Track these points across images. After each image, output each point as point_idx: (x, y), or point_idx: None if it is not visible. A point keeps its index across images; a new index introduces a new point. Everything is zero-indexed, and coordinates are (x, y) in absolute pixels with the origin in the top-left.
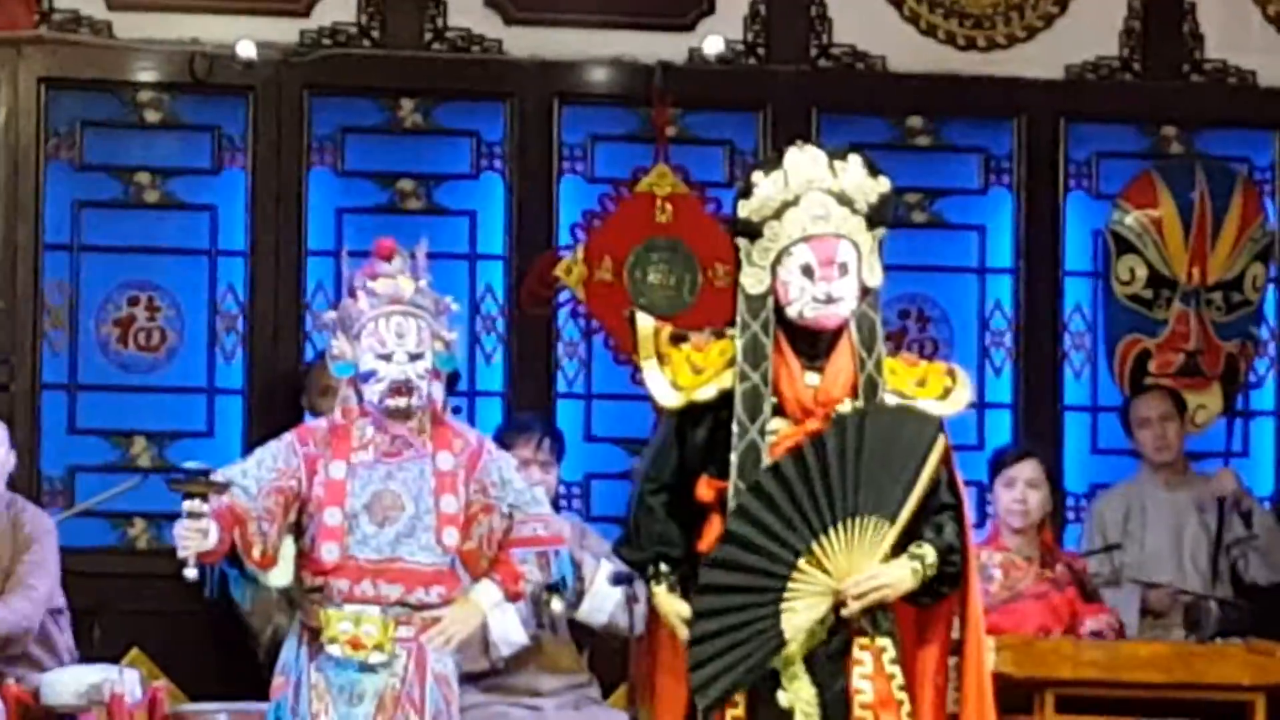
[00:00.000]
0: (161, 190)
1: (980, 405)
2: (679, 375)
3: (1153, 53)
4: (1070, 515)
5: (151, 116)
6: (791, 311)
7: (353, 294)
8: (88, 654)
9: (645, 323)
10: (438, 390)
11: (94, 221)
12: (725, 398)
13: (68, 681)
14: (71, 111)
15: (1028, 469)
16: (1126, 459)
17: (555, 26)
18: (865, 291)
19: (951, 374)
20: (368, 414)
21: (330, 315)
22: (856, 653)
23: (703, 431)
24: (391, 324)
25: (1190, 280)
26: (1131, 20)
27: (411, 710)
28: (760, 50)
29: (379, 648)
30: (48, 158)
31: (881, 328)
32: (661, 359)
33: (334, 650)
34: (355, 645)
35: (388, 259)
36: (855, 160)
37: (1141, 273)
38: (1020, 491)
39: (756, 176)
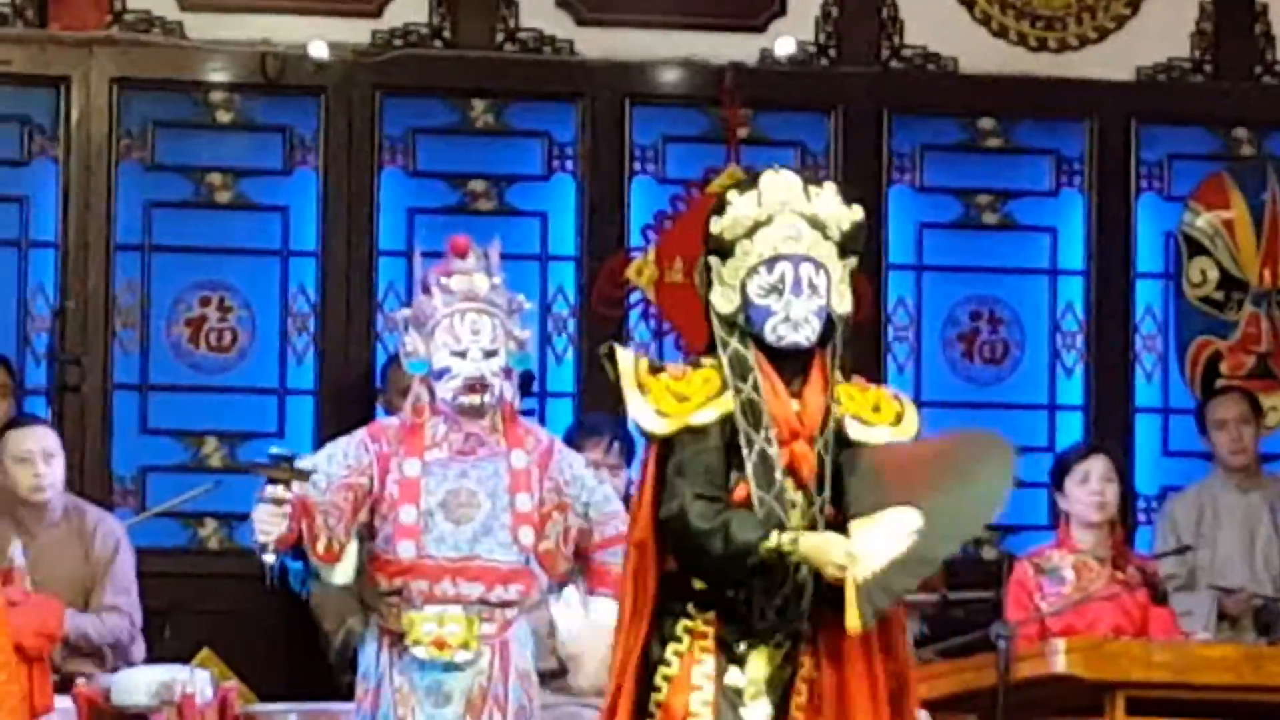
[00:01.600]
0: (233, 190)
1: (1051, 407)
2: (662, 403)
3: (1224, 54)
4: (1141, 518)
5: (223, 117)
6: (761, 330)
7: (426, 291)
8: (158, 654)
9: (625, 355)
10: (509, 389)
11: (165, 222)
12: (724, 420)
13: (138, 682)
14: (143, 112)
15: (1100, 464)
16: (1198, 461)
17: (626, 27)
18: (839, 319)
19: (899, 399)
20: (440, 412)
21: (404, 312)
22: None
23: (706, 457)
24: (466, 321)
25: (1262, 282)
26: (1203, 22)
27: (495, 708)
28: (832, 51)
29: (464, 646)
30: (119, 158)
31: (841, 356)
32: (643, 389)
33: (419, 652)
34: (440, 645)
35: (463, 256)
36: (830, 188)
37: (1213, 274)
38: (1097, 485)
39: (731, 195)
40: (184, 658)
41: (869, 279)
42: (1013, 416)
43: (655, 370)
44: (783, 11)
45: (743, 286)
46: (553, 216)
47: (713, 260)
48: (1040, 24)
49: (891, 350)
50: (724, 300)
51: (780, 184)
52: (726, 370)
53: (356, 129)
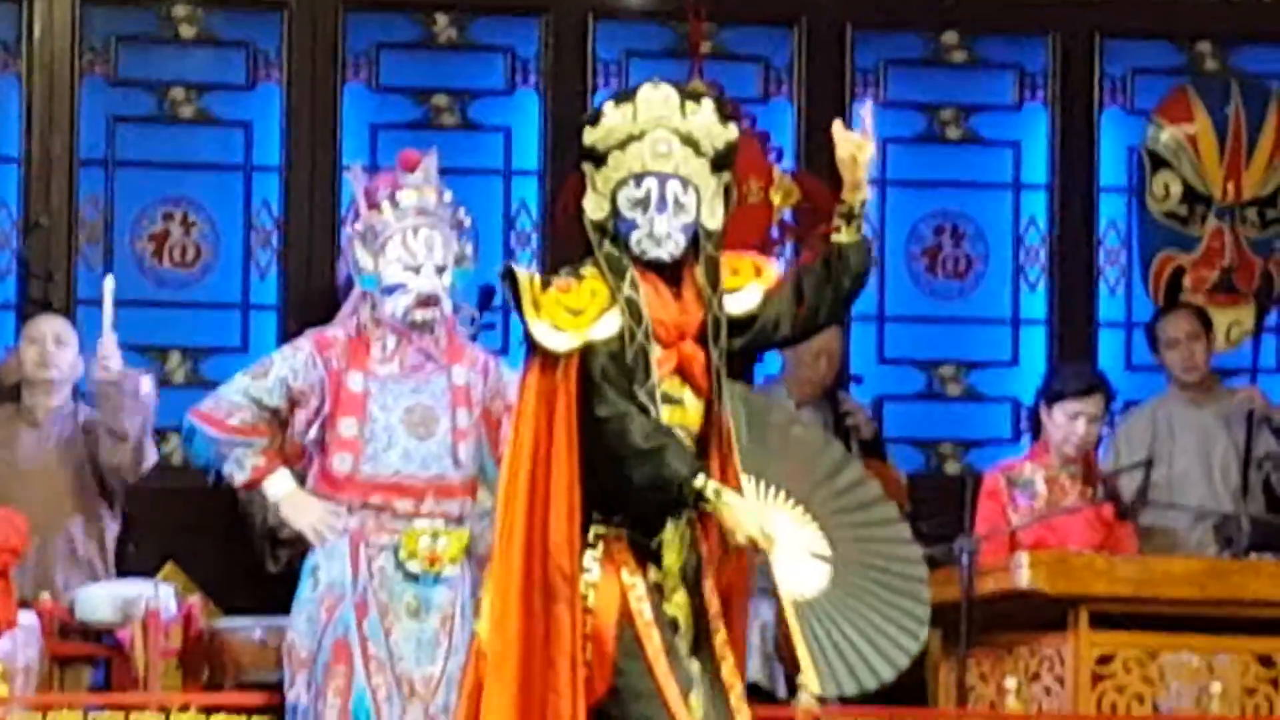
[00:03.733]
0: (196, 105)
1: (1014, 321)
2: (557, 318)
3: None
4: (1104, 432)
5: (186, 32)
6: (627, 241)
7: (374, 206)
8: (122, 569)
9: (523, 274)
10: (449, 305)
11: (128, 137)
12: (621, 334)
13: (103, 597)
14: (106, 27)
15: (1094, 405)
16: (1161, 375)
17: None
18: (709, 234)
19: (751, 257)
20: (385, 326)
21: (355, 227)
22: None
23: (617, 366)
24: (420, 236)
25: (1225, 196)
26: None
27: (463, 622)
28: None
29: (453, 560)
30: (82, 73)
31: (722, 269)
32: (537, 306)
33: (412, 566)
34: (433, 560)
35: (412, 170)
36: (708, 104)
37: (1176, 189)
38: (1083, 427)
39: (606, 106)
40: (148, 573)
41: (833, 193)
42: (976, 331)
43: (545, 285)
44: None
45: (613, 196)
46: (516, 131)
47: (587, 167)
48: None
49: None
50: (596, 207)
51: (657, 99)
52: (604, 271)
53: (320, 44)
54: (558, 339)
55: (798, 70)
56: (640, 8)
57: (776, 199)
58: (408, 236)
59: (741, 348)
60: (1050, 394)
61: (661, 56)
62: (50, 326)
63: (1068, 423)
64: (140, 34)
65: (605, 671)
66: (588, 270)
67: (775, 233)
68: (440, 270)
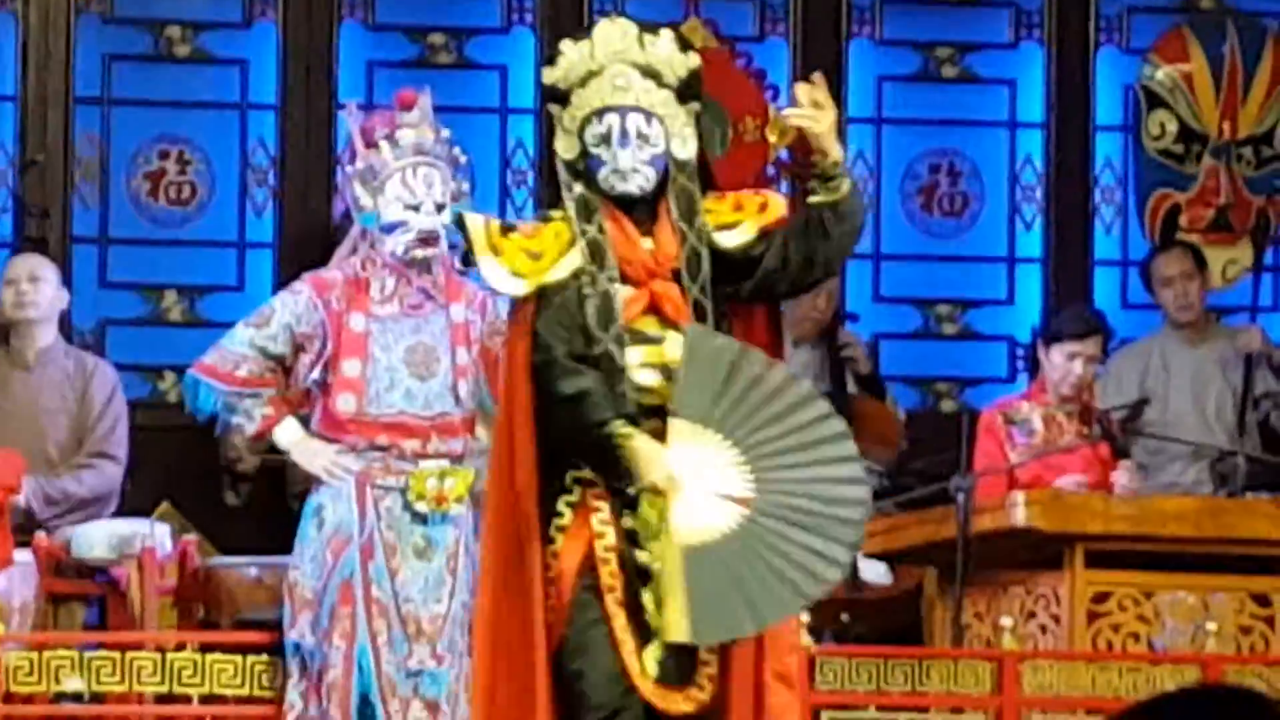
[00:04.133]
0: (192, 44)
1: (1010, 259)
2: (516, 263)
3: None
4: (1100, 369)
5: None
6: (596, 178)
7: (371, 145)
8: (118, 508)
9: (475, 220)
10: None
11: (124, 75)
12: (579, 272)
13: (99, 535)
14: None
15: (1092, 346)
16: (1157, 313)
17: None
18: (680, 165)
19: (758, 192)
20: (384, 265)
21: (356, 165)
22: None
23: (568, 312)
24: (419, 175)
25: (1221, 135)
26: None
27: (468, 559)
28: None
29: (459, 500)
30: (78, 11)
31: (700, 199)
32: (496, 251)
33: (420, 507)
34: (440, 500)
35: (409, 109)
36: (666, 35)
37: (1172, 127)
38: (1081, 368)
39: (564, 45)
40: (144, 511)
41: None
42: (972, 269)
43: (506, 230)
44: None
45: (580, 134)
46: (512, 70)
47: (554, 108)
48: None
49: None
50: (565, 147)
51: (614, 34)
52: (572, 213)
53: None
54: (514, 283)
55: (794, 8)
56: None
57: (773, 137)
58: (407, 175)
59: (750, 292)
60: (1048, 334)
61: None
62: (24, 265)
63: (1065, 363)
64: None
65: (561, 618)
66: (557, 214)
67: (771, 170)
68: (439, 208)
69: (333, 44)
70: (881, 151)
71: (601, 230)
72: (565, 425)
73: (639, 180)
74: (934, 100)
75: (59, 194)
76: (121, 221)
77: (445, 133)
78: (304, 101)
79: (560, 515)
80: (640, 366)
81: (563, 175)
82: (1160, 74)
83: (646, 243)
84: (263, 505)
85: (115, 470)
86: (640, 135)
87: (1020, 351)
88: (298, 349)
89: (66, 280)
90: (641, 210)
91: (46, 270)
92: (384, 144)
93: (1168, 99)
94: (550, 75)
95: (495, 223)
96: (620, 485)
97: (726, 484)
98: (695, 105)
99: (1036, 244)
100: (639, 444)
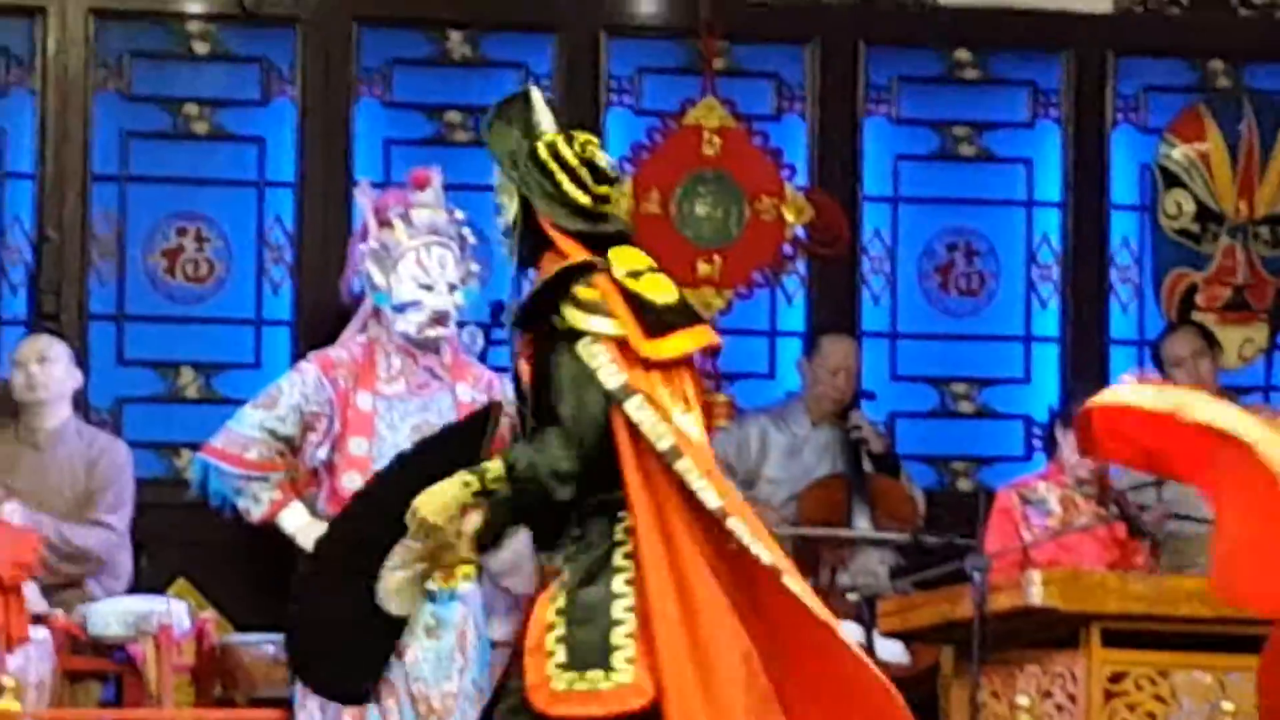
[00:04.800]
0: (210, 121)
1: (1027, 338)
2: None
3: None
4: None
5: (200, 47)
6: None
7: (385, 224)
8: (135, 585)
9: None
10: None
11: (142, 152)
12: None
13: (116, 612)
14: (120, 42)
15: None
16: None
17: None
18: None
19: None
20: (392, 344)
21: (369, 244)
22: None
23: None
24: (433, 255)
25: (1238, 214)
26: None
27: (475, 637)
28: None
29: (466, 577)
30: (96, 88)
31: None
32: None
33: (429, 585)
34: (448, 578)
35: (423, 188)
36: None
37: (1189, 207)
38: None
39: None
40: (161, 588)
41: (846, 210)
42: (988, 348)
43: None
44: None
45: None
46: None
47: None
48: None
49: (868, 282)
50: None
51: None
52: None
53: (333, 60)
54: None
55: (811, 87)
56: (653, 24)
57: (789, 216)
58: (421, 254)
59: None
60: (1065, 415)
61: (674, 73)
62: (33, 347)
63: None
64: (154, 50)
65: None
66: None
67: (788, 249)
68: (452, 288)
69: (350, 122)
70: (898, 230)
71: None
72: None
73: None
74: (951, 179)
75: (75, 271)
76: (138, 298)
77: (458, 213)
78: (321, 179)
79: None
80: None
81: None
82: (1177, 153)
83: None
84: (279, 583)
85: (110, 538)
86: None
87: (1036, 430)
88: (306, 429)
89: (83, 358)
90: None
91: (56, 350)
92: (398, 223)
93: (1184, 178)
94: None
95: None
96: None
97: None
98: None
99: (1053, 323)
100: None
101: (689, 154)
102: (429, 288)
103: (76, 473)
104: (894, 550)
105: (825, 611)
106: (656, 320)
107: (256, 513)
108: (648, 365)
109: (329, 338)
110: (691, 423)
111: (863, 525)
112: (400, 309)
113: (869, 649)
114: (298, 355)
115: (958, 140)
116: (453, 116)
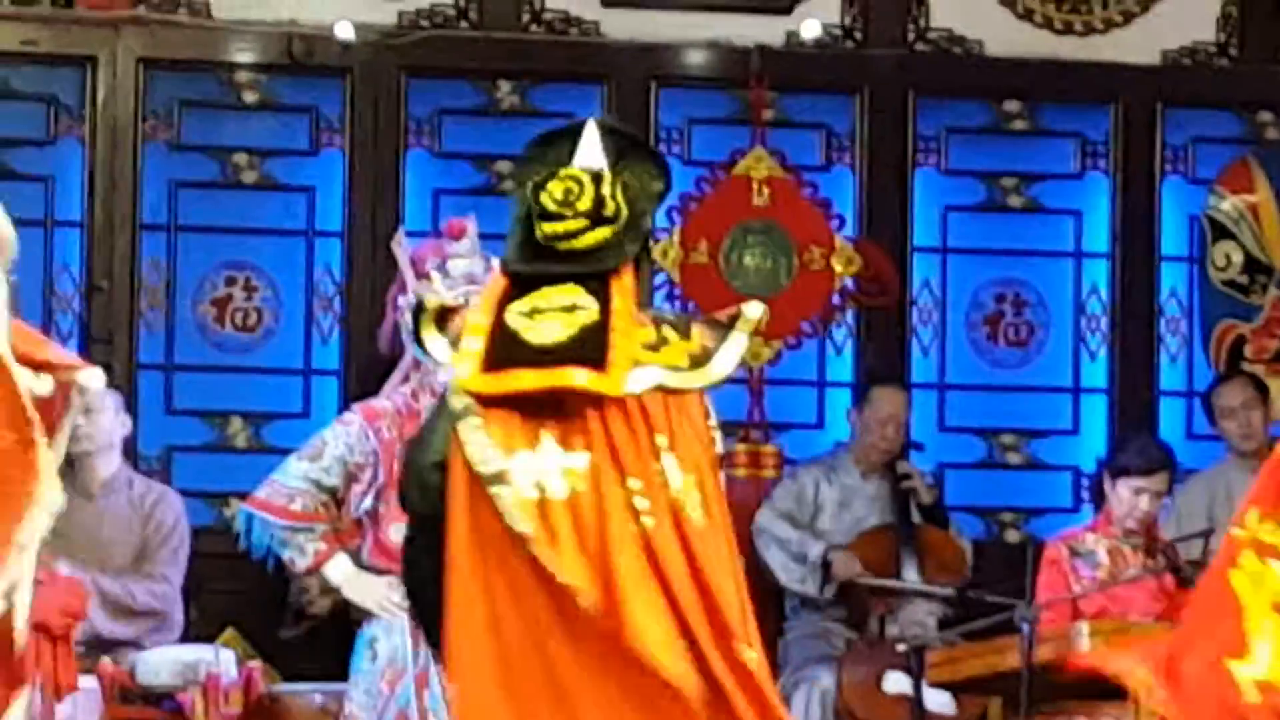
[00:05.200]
0: (259, 171)
1: (1075, 390)
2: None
3: (1250, 38)
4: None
5: (249, 97)
6: None
7: (423, 275)
8: (185, 634)
9: None
10: None
11: (191, 202)
12: None
13: (164, 661)
14: (169, 92)
15: (1159, 481)
16: (1221, 444)
17: (652, 9)
18: None
19: None
20: (435, 394)
21: (408, 297)
22: None
23: None
24: (471, 305)
25: None
26: (1228, 5)
27: None
28: (857, 34)
29: None
30: (145, 138)
31: None
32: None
33: None
34: None
35: (459, 238)
36: None
37: (1237, 258)
38: (1147, 503)
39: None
40: (209, 637)
41: (894, 261)
42: (1037, 399)
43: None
44: None
45: None
46: None
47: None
48: (1066, 7)
49: (916, 333)
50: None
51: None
52: None
53: (382, 110)
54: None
55: (860, 138)
56: (703, 74)
57: (838, 266)
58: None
59: None
60: (1115, 468)
61: (723, 123)
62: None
63: (1131, 498)
64: (204, 99)
65: None
66: None
67: (836, 300)
68: None
69: (399, 171)
70: (947, 281)
71: None
72: None
73: None
74: (1000, 230)
75: (125, 320)
76: (187, 348)
77: (494, 261)
78: (370, 228)
79: None
80: None
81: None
82: (1225, 204)
83: None
84: (327, 633)
85: (167, 592)
86: None
87: (1085, 482)
88: (350, 479)
89: (132, 406)
90: None
91: (104, 400)
92: (435, 274)
93: (1233, 229)
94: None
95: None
96: None
97: None
98: None
99: (1101, 374)
100: None
101: (738, 204)
102: None
103: (131, 523)
104: (942, 601)
105: (648, 650)
106: (506, 357)
107: (301, 564)
108: (482, 399)
109: (378, 387)
110: (579, 462)
111: (911, 576)
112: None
113: (918, 699)
114: (346, 405)
115: (1006, 191)
116: (502, 166)
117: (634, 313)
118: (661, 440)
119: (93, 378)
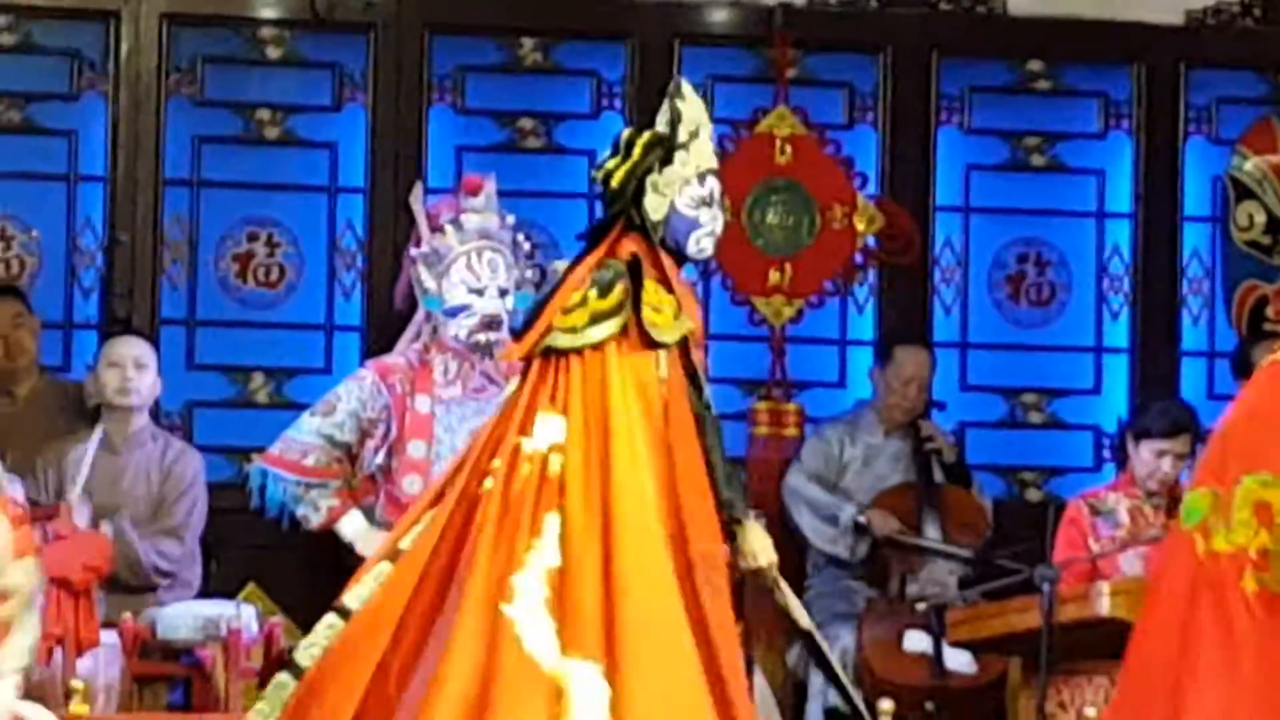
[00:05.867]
0: (282, 127)
1: (1098, 349)
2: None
3: None
4: (1189, 462)
5: (272, 53)
6: (683, 241)
7: (437, 229)
8: (204, 589)
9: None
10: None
11: (214, 157)
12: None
13: (184, 616)
14: (192, 47)
15: (1181, 444)
16: None
17: None
18: None
19: (675, 292)
20: (448, 349)
21: (421, 249)
22: None
23: None
24: (484, 259)
25: None
26: None
27: None
28: None
29: None
30: (168, 93)
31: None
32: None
33: None
34: None
35: (475, 194)
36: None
37: (1260, 219)
38: (1169, 464)
39: (678, 102)
40: (230, 592)
41: (917, 220)
42: (1059, 359)
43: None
44: None
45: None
46: (600, 154)
47: (654, 160)
48: None
49: (938, 292)
50: (656, 206)
51: (695, 101)
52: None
53: (405, 66)
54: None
55: (882, 96)
56: (725, 32)
57: (860, 225)
58: (472, 259)
59: None
60: (1137, 430)
61: (746, 81)
62: (130, 350)
63: (1153, 459)
64: (227, 55)
65: None
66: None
67: (859, 259)
68: (503, 293)
69: (422, 128)
70: (969, 240)
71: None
72: (718, 469)
73: (713, 245)
74: (1022, 190)
75: (147, 275)
76: (209, 303)
77: (510, 218)
78: (392, 185)
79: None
80: None
81: (653, 235)
82: (1249, 165)
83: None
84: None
85: (178, 551)
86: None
87: (1106, 441)
88: (364, 435)
89: (156, 362)
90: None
91: (150, 356)
92: (449, 228)
93: (1256, 190)
94: (670, 129)
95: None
96: None
97: None
98: None
99: (1123, 334)
100: (751, 528)
101: (761, 162)
102: (479, 292)
103: (151, 477)
104: (963, 561)
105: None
106: None
107: (315, 520)
108: None
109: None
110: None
111: (933, 534)
112: (452, 313)
113: (938, 658)
114: (368, 360)
115: (1029, 151)
116: (524, 123)
117: (581, 277)
118: (543, 398)
119: None
